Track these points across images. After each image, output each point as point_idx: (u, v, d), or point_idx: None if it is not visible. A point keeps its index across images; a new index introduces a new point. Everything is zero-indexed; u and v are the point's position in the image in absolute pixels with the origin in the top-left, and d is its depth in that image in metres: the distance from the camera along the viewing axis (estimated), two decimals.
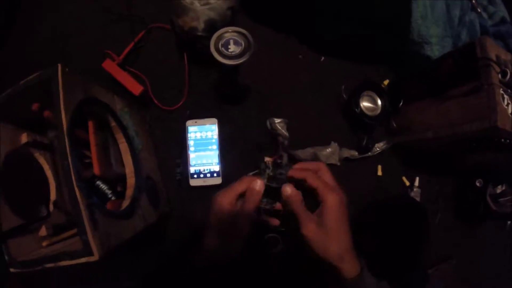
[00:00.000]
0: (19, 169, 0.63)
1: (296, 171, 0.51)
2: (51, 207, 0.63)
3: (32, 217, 0.60)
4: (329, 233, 0.44)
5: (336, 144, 0.83)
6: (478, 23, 0.82)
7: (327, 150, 0.81)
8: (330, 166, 0.82)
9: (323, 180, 0.48)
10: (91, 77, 0.77)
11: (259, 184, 0.48)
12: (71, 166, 0.50)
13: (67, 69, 0.54)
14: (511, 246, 0.88)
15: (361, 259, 0.48)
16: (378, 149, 0.85)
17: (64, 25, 0.86)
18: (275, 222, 0.54)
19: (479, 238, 0.87)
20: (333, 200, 0.45)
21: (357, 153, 0.84)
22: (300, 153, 0.80)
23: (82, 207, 0.49)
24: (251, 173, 0.78)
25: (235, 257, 0.50)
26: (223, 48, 0.65)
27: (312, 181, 0.47)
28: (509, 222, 0.86)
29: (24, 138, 0.61)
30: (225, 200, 0.48)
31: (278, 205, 0.53)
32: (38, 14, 0.87)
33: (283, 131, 0.80)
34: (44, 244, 0.60)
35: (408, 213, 0.78)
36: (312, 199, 0.49)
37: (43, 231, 0.60)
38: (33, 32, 0.86)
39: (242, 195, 0.49)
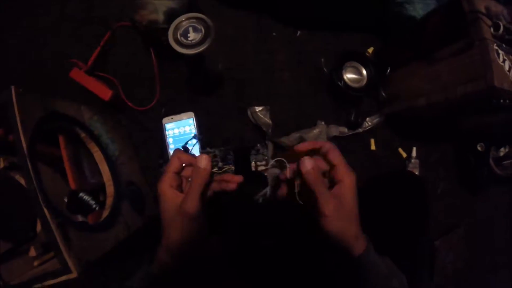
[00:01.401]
0: (1, 193, 0.64)
1: (308, 144, 0.47)
2: (39, 227, 0.63)
3: (19, 240, 0.61)
4: (349, 214, 0.43)
5: (323, 122, 0.78)
6: None
7: (314, 131, 0.77)
8: None
9: (339, 156, 0.44)
10: (58, 89, 0.77)
11: (203, 160, 0.43)
12: (36, 188, 0.49)
13: (21, 90, 0.52)
14: None
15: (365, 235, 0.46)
16: (369, 124, 0.80)
17: (30, 37, 0.83)
18: (284, 191, 0.49)
19: (485, 204, 0.82)
20: (351, 181, 0.43)
21: (346, 129, 0.79)
22: (285, 139, 0.77)
23: (53, 227, 0.48)
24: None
25: (201, 248, 0.46)
26: (182, 38, 0.62)
27: (333, 156, 0.44)
28: None
29: (1, 163, 0.61)
30: (164, 185, 0.43)
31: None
32: (6, 27, 0.84)
33: (265, 119, 0.76)
34: (35, 264, 0.61)
35: (405, 188, 0.74)
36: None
37: (32, 252, 0.60)
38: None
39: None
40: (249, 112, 0.78)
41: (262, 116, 0.76)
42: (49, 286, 0.52)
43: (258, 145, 0.50)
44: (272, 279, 0.71)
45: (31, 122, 0.53)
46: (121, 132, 0.77)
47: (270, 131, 0.76)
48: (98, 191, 0.67)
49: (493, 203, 0.82)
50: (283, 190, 0.49)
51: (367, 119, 0.80)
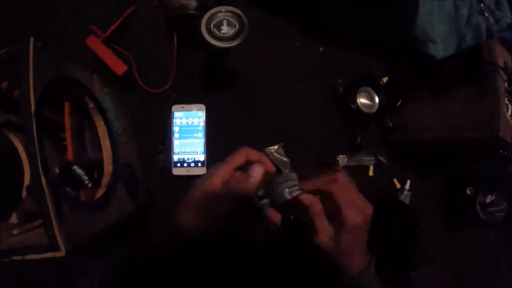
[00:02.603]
0: None
1: (314, 183, 0.46)
2: (24, 193, 0.59)
3: (2, 203, 0.56)
4: (342, 252, 0.44)
5: (345, 156, 0.81)
6: (484, 26, 0.79)
7: None
8: None
9: (348, 196, 0.44)
10: (69, 54, 0.72)
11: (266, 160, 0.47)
12: (37, 152, 0.45)
13: (39, 44, 0.49)
14: (494, 253, 0.87)
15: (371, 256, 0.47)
16: (365, 162, 0.82)
17: None
18: (276, 217, 0.46)
19: (464, 244, 0.86)
20: (354, 224, 0.43)
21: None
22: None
23: (47, 197, 0.45)
24: None
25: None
26: (215, 29, 0.60)
27: (338, 194, 0.43)
28: (493, 231, 0.85)
29: None
30: (221, 172, 0.45)
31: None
32: None
33: (282, 158, 0.76)
34: (15, 232, 0.56)
35: (399, 217, 0.77)
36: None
37: (14, 218, 0.56)
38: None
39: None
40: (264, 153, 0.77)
41: (278, 155, 0.76)
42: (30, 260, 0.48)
43: (286, 170, 0.52)
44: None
45: (43, 81, 0.50)
46: (126, 110, 0.74)
47: (289, 167, 0.76)
48: (93, 167, 0.64)
49: (472, 244, 0.86)
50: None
51: (363, 158, 0.82)
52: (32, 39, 0.48)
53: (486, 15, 0.80)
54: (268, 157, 0.76)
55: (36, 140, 0.46)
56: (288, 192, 0.45)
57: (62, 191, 0.48)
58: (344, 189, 0.44)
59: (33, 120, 0.46)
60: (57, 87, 0.53)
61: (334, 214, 0.45)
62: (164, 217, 0.48)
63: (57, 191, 0.46)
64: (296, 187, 0.46)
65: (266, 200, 0.46)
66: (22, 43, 0.48)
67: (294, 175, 0.47)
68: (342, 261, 0.45)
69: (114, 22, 0.76)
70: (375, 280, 0.46)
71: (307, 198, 0.45)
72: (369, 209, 0.45)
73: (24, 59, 0.47)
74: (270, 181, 0.47)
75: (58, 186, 0.47)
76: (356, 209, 0.44)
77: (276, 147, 0.77)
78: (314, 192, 0.46)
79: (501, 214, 0.76)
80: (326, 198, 0.45)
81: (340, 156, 0.81)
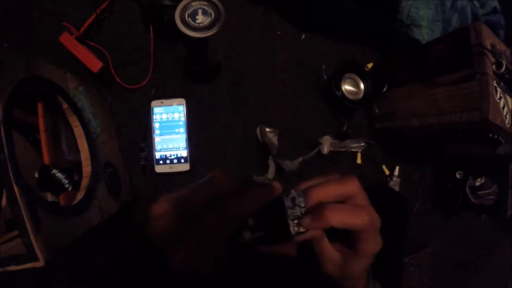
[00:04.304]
0: None
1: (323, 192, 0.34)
2: (4, 201, 0.57)
3: None
4: (350, 279, 0.37)
5: (329, 137, 0.79)
6: (469, 9, 0.78)
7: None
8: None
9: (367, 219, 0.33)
10: (43, 53, 0.69)
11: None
12: (7, 159, 0.43)
13: (5, 45, 0.47)
14: (484, 236, 0.88)
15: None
16: (353, 149, 0.81)
17: None
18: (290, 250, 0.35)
19: (455, 227, 0.86)
20: (372, 251, 0.35)
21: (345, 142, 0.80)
22: (289, 164, 0.75)
23: (21, 205, 0.43)
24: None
25: None
26: (189, 19, 0.58)
27: (354, 219, 0.32)
28: (483, 215, 0.86)
29: None
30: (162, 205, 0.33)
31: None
32: None
33: (273, 141, 0.75)
34: None
35: (389, 204, 0.76)
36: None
37: None
38: None
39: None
40: (258, 130, 0.76)
41: (270, 137, 0.75)
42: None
43: (292, 191, 0.34)
44: None
45: (11, 82, 0.47)
46: (105, 108, 0.72)
47: (274, 152, 0.74)
48: (72, 169, 0.62)
49: (463, 227, 0.87)
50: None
51: (351, 144, 0.81)
52: None
53: None
54: (261, 134, 0.75)
55: (5, 146, 0.43)
56: (295, 224, 0.33)
57: (38, 198, 0.46)
58: (364, 194, 0.35)
59: (1, 124, 0.44)
60: (28, 87, 0.50)
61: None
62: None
63: (32, 197, 0.45)
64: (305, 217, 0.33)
65: (261, 233, 0.32)
66: None
67: (302, 201, 0.34)
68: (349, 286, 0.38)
69: (88, 18, 0.73)
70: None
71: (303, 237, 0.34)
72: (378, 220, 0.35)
73: None
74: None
75: (34, 192, 0.45)
76: (376, 232, 0.34)
77: (271, 129, 0.75)
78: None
79: (491, 197, 0.76)
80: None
81: (324, 137, 0.79)
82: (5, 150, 0.44)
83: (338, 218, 0.32)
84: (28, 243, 0.43)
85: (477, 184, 0.77)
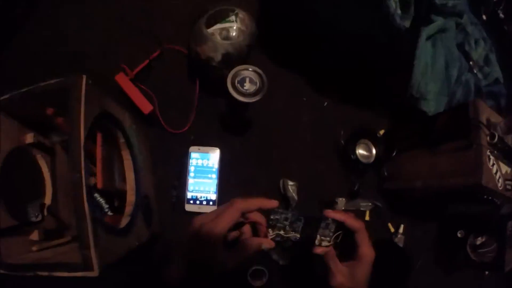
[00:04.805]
0: (19, 168, 0.62)
1: (341, 215, 0.54)
2: (45, 212, 0.62)
3: (25, 219, 0.59)
4: (357, 285, 0.52)
5: (344, 199, 0.87)
6: (473, 82, 0.86)
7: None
8: None
9: (366, 236, 0.54)
10: (105, 89, 0.78)
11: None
12: (83, 179, 0.50)
13: (90, 82, 0.55)
14: None
15: None
16: (362, 208, 0.89)
17: (80, 27, 0.86)
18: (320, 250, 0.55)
19: (458, 284, 0.90)
20: (369, 260, 0.53)
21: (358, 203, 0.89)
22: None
23: (88, 221, 0.48)
24: None
25: None
26: (238, 85, 0.68)
27: (361, 237, 0.53)
28: (486, 272, 0.90)
29: (29, 138, 0.61)
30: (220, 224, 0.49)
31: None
32: (61, 10, 0.87)
33: (293, 194, 0.83)
34: (34, 248, 0.59)
35: (394, 258, 0.82)
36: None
37: (35, 235, 0.59)
38: (51, 29, 0.86)
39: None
40: (281, 182, 0.85)
41: (291, 190, 0.83)
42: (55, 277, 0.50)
43: (330, 219, 0.54)
44: None
45: (90, 116, 0.55)
46: (147, 146, 0.79)
47: (294, 205, 0.83)
48: (114, 196, 0.68)
49: (466, 284, 0.91)
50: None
51: (361, 203, 0.89)
52: (84, 77, 0.54)
53: (475, 71, 0.89)
54: (283, 185, 0.84)
55: (82, 169, 0.50)
56: (319, 239, 0.54)
57: (100, 217, 0.52)
58: (364, 232, 0.54)
59: (82, 150, 0.51)
60: (100, 121, 0.58)
61: (347, 252, 0.55)
62: None
63: (96, 215, 0.50)
64: (328, 238, 0.54)
65: (297, 236, 0.54)
66: (75, 78, 0.54)
67: (333, 228, 0.54)
68: None
69: (140, 63, 0.83)
70: None
71: (322, 251, 0.54)
72: (373, 250, 0.54)
73: (76, 94, 0.52)
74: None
75: (97, 212, 0.51)
76: (371, 247, 0.54)
77: (293, 183, 0.83)
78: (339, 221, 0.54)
79: (491, 255, 0.80)
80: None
81: (339, 198, 0.87)
82: (83, 171, 0.50)
83: (346, 218, 0.53)
84: (86, 254, 0.48)
85: (478, 242, 0.82)
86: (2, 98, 0.58)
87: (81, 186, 0.49)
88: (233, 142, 0.87)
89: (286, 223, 0.53)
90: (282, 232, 0.53)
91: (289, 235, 0.53)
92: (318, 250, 0.54)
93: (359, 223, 0.54)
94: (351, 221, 0.53)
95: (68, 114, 0.53)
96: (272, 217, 0.53)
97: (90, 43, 0.86)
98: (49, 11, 0.86)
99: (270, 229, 0.53)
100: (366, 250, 0.52)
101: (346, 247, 0.55)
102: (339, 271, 0.53)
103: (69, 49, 0.85)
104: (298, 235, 0.53)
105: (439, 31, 0.84)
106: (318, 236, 0.53)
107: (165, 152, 0.83)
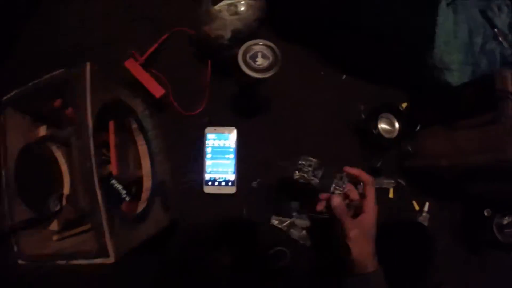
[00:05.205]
0: (35, 162, 0.64)
1: (356, 171, 0.63)
2: (64, 202, 0.63)
3: (44, 210, 0.60)
4: (368, 237, 0.59)
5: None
6: (498, 51, 0.81)
7: None
8: None
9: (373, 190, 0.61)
10: (115, 77, 0.78)
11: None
12: (94, 168, 0.50)
13: (96, 68, 0.53)
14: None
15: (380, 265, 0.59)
16: (385, 185, 0.86)
17: (86, 18, 0.86)
18: (320, 206, 0.65)
19: (482, 266, 0.87)
20: (374, 211, 0.60)
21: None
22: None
23: (102, 209, 0.49)
24: None
25: None
26: (250, 60, 0.65)
27: (369, 190, 0.61)
28: None
29: (42, 131, 0.61)
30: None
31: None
32: (62, 5, 0.87)
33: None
34: (54, 238, 0.61)
35: (417, 239, 0.79)
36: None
37: (54, 225, 0.60)
38: (54, 23, 0.86)
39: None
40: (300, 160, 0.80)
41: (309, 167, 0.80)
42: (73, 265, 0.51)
43: (344, 174, 0.63)
44: None
45: (98, 104, 0.54)
46: (162, 131, 0.79)
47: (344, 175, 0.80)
48: (132, 182, 0.68)
49: (491, 267, 0.87)
50: (321, 205, 0.66)
51: (383, 180, 0.86)
52: (88, 64, 0.52)
53: (500, 40, 0.82)
54: (301, 162, 0.79)
55: (92, 157, 0.50)
56: (334, 187, 0.63)
57: (114, 204, 0.52)
58: (372, 185, 0.61)
59: (91, 139, 0.50)
60: (110, 108, 0.58)
61: (355, 206, 0.63)
62: None
63: (110, 203, 0.50)
64: (341, 189, 0.63)
65: (317, 181, 0.64)
66: (80, 67, 0.53)
67: (346, 180, 0.63)
68: (363, 257, 0.58)
69: (149, 48, 0.82)
70: (384, 283, 0.58)
71: (333, 201, 0.60)
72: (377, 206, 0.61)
73: (82, 83, 0.52)
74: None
75: (111, 199, 0.51)
76: (375, 200, 0.61)
77: (315, 160, 0.76)
78: (354, 175, 0.63)
79: None
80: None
81: None
82: (93, 160, 0.50)
83: (360, 172, 0.62)
84: (102, 242, 0.48)
85: (505, 222, 0.79)
86: (10, 94, 0.58)
87: (93, 174, 0.49)
88: (249, 122, 0.85)
89: (310, 169, 0.63)
90: (306, 175, 0.64)
91: (311, 178, 0.63)
92: (336, 199, 0.60)
93: (370, 177, 0.62)
94: (363, 175, 0.62)
95: (75, 104, 0.52)
96: (300, 162, 0.64)
97: (96, 33, 0.86)
98: (52, 6, 0.86)
99: (296, 171, 0.64)
100: (372, 203, 0.59)
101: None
102: (353, 224, 0.58)
103: (75, 41, 0.85)
104: (318, 180, 0.63)
105: None
106: (333, 185, 0.62)
107: (180, 135, 0.83)
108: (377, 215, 0.60)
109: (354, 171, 0.63)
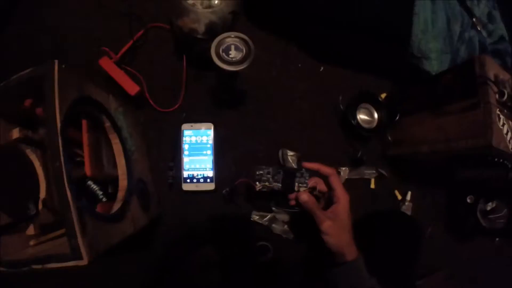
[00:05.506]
0: (9, 165, 0.61)
1: (315, 165, 0.62)
2: (40, 206, 0.61)
3: (20, 215, 0.58)
4: (343, 226, 0.58)
5: (347, 169, 0.85)
6: (477, 40, 0.82)
7: None
8: None
9: (339, 181, 0.60)
10: (86, 75, 0.76)
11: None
12: (63, 167, 0.48)
13: (63, 66, 0.52)
14: (498, 260, 0.89)
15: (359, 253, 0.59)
16: (367, 176, 0.86)
17: (60, 18, 0.84)
18: (292, 202, 0.64)
19: (468, 252, 0.88)
20: (346, 200, 0.59)
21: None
22: None
23: (72, 209, 0.47)
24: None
25: None
26: (223, 53, 0.64)
27: (334, 180, 0.60)
28: (497, 238, 0.87)
29: (15, 134, 0.59)
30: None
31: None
32: (36, 6, 0.85)
33: (293, 164, 0.80)
34: (31, 243, 0.58)
35: (401, 228, 0.79)
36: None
37: (31, 230, 0.58)
38: (29, 23, 0.84)
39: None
40: (280, 153, 0.82)
41: (291, 161, 0.81)
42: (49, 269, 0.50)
43: (303, 169, 0.63)
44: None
45: (67, 101, 0.53)
46: (138, 128, 0.78)
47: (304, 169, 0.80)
48: (108, 182, 0.66)
49: (476, 252, 0.88)
50: (293, 202, 0.63)
51: (365, 171, 0.86)
52: (56, 62, 0.51)
53: (479, 28, 0.83)
54: (283, 156, 0.82)
55: (61, 157, 0.48)
56: (297, 185, 0.62)
57: (85, 204, 0.51)
58: (335, 176, 0.61)
59: (59, 137, 0.49)
60: (79, 106, 0.56)
61: (326, 198, 0.63)
62: None
63: (81, 203, 0.49)
64: (305, 185, 0.62)
65: (279, 185, 0.62)
66: (47, 65, 0.51)
67: (307, 176, 0.62)
68: (341, 247, 0.57)
69: (124, 45, 0.80)
70: (365, 270, 0.58)
71: (301, 198, 0.60)
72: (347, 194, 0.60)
73: (49, 81, 0.50)
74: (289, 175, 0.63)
75: (82, 199, 0.50)
76: (344, 189, 0.60)
77: (293, 153, 0.81)
78: (315, 170, 0.62)
79: (502, 221, 0.78)
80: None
81: (342, 168, 0.84)
82: (62, 159, 0.48)
83: (319, 166, 0.61)
84: (74, 243, 0.47)
85: (488, 208, 0.79)
86: None
87: (62, 173, 0.48)
88: (228, 116, 0.84)
89: (269, 176, 0.62)
90: (267, 184, 0.62)
91: (273, 185, 0.62)
92: (303, 196, 0.59)
93: (331, 169, 0.61)
94: (323, 168, 0.61)
95: (44, 103, 0.51)
96: (257, 172, 0.62)
97: (71, 32, 0.83)
98: (27, 7, 0.84)
99: (257, 182, 0.62)
100: (341, 192, 0.59)
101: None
102: (325, 215, 0.57)
103: (51, 40, 0.83)
104: (280, 185, 0.62)
105: None
106: (296, 183, 0.62)
107: (158, 132, 0.81)
108: (350, 203, 0.60)
109: (313, 165, 0.63)
